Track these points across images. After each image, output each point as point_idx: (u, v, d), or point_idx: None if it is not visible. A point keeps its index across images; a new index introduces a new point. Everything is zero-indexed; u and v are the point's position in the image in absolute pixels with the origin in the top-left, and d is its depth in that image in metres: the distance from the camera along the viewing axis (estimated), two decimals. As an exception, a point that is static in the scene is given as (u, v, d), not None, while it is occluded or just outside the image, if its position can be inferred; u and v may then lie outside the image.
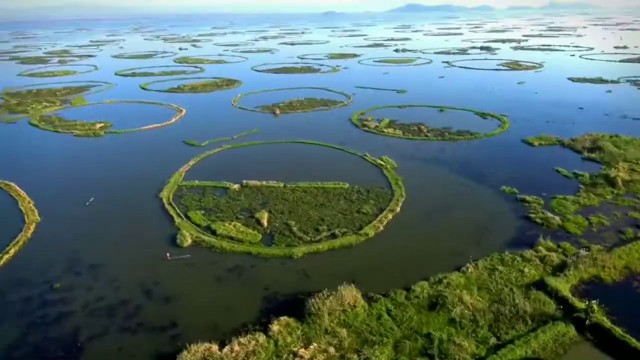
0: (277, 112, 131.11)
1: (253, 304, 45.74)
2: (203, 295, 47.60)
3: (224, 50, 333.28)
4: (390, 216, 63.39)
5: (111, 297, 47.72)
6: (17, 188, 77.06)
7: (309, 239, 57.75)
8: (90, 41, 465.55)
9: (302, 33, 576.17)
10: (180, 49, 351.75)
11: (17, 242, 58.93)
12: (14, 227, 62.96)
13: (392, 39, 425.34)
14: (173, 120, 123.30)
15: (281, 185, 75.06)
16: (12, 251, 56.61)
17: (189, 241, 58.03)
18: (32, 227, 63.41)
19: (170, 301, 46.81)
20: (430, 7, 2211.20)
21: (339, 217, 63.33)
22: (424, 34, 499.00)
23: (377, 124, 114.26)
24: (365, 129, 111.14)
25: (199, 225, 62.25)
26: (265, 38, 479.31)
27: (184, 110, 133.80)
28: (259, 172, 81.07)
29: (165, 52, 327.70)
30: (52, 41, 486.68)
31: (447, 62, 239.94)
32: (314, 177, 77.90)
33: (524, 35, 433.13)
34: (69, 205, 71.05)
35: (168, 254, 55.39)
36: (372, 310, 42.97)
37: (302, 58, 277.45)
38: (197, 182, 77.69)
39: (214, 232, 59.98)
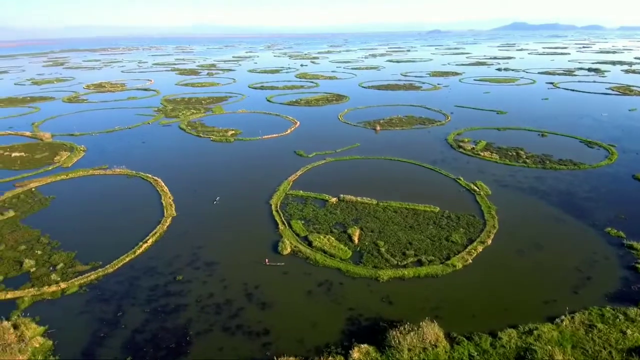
0: (378, 128, 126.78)
1: (337, 324, 42.95)
2: (294, 307, 46.04)
3: (337, 67, 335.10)
4: (480, 248, 56.14)
5: (220, 295, 48.40)
6: (162, 184, 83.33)
7: (395, 262, 53.32)
8: (233, 57, 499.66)
9: (408, 51, 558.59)
10: (301, 65, 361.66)
11: (155, 233, 63.04)
12: (155, 219, 67.78)
13: (495, 58, 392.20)
14: (288, 131, 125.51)
15: (374, 202, 71.20)
16: (150, 241, 60.65)
17: (288, 250, 57.19)
18: (169, 220, 67.52)
19: (266, 308, 46.02)
20: (536, 26, 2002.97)
21: (427, 243, 57.72)
22: (529, 53, 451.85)
23: (474, 145, 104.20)
24: (461, 150, 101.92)
25: (298, 235, 61.26)
26: (374, 56, 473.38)
27: (298, 123, 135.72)
28: (355, 187, 78.18)
29: (289, 67, 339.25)
30: (204, 56, 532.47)
31: (551, 83, 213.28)
32: (405, 197, 72.77)
33: (635, 58, 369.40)
34: (199, 203, 74.76)
35: (267, 260, 55.10)
36: (453, 353, 37.59)
37: (405, 75, 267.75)
38: (301, 192, 77.12)
39: (310, 243, 58.45)
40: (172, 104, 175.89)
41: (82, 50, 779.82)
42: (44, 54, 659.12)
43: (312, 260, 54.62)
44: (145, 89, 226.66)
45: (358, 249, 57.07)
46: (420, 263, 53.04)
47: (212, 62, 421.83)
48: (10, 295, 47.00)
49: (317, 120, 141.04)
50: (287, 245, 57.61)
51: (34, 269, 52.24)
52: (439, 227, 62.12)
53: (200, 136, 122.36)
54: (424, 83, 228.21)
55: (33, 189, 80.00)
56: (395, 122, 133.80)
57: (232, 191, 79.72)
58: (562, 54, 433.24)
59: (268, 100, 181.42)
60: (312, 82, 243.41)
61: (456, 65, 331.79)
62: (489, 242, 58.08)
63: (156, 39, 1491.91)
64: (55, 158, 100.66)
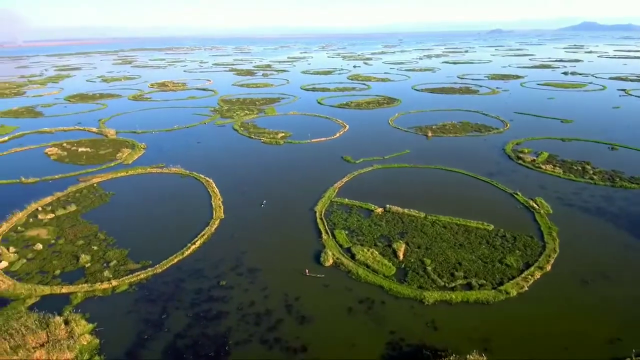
0: (429, 134, 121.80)
1: (377, 347, 40.87)
2: (333, 324, 44.47)
3: (390, 69, 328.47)
4: (538, 275, 51.35)
5: (260, 304, 47.96)
6: (214, 185, 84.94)
7: (442, 283, 50.09)
8: (288, 57, 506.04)
9: (466, 52, 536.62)
10: (354, 66, 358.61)
11: (203, 235, 64.03)
12: (204, 220, 69.04)
13: (561, 60, 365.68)
14: (337, 135, 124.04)
15: (422, 215, 67.82)
16: (198, 243, 61.65)
17: (330, 261, 55.74)
18: (217, 223, 68.33)
19: (305, 322, 44.87)
20: (607, 26, 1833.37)
21: (478, 265, 53.76)
22: (598, 56, 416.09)
23: (534, 157, 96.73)
24: (520, 162, 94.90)
25: (341, 246, 59.63)
26: (429, 57, 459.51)
27: (347, 126, 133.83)
28: (403, 197, 75.25)
29: (342, 69, 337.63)
30: (261, 56, 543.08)
31: (623, 90, 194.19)
32: (456, 211, 68.73)
33: None
34: (246, 205, 75.33)
35: (307, 270, 54.02)
36: (502, 394, 34.28)
37: (462, 78, 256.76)
38: (346, 200, 75.32)
39: (353, 256, 56.61)
40: (228, 105, 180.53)
41: (149, 49, 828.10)
42: (114, 52, 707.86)
43: (354, 274, 52.77)
44: (204, 89, 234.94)
45: (403, 265, 54.37)
46: (469, 286, 49.41)
47: (267, 62, 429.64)
48: (65, 289, 49.56)
49: (366, 124, 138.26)
50: (330, 257, 56.17)
51: (89, 264, 54.88)
52: (492, 248, 57.74)
53: (252, 137, 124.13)
54: (481, 86, 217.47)
55: (95, 184, 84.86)
56: (449, 129, 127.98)
57: (279, 195, 79.61)
58: (636, 57, 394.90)
59: (319, 103, 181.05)
60: (363, 84, 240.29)
61: (518, 67, 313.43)
62: (549, 268, 53.04)
63: (217, 39, 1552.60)
64: (118, 154, 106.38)
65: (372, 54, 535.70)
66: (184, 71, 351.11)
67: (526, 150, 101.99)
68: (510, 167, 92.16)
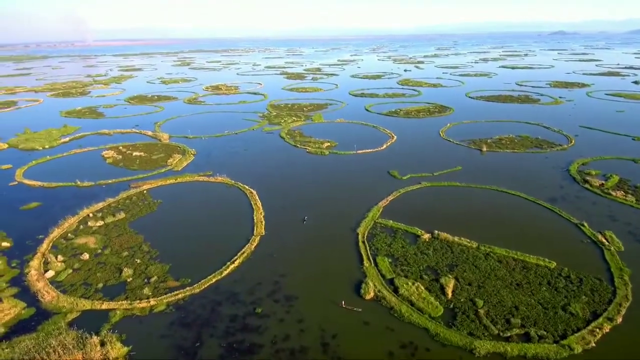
0: (484, 148, 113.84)
1: (419, 405, 36.85)
2: (371, 370, 40.93)
3: (443, 73, 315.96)
4: (607, 328, 44.65)
5: (295, 338, 45.27)
6: (257, 197, 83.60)
7: (496, 331, 44.75)
8: (338, 60, 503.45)
9: (525, 55, 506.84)
10: (405, 70, 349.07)
11: (243, 252, 62.41)
12: (245, 236, 67.70)
13: (632, 67, 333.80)
14: (384, 146, 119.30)
15: (474, 245, 62.13)
16: (237, 262, 60.05)
17: (372, 294, 52.00)
18: (257, 240, 66.61)
19: (341, 365, 41.66)
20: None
21: (538, 311, 47.71)
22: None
23: (603, 181, 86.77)
24: (587, 186, 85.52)
25: (383, 276, 55.68)
26: (485, 60, 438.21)
27: (395, 137, 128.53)
28: (453, 221, 69.87)
29: (392, 73, 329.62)
30: (311, 59, 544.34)
31: None
32: (513, 242, 62.46)
33: None
34: (287, 221, 73.15)
35: (343, 302, 50.68)
36: None
37: (521, 85, 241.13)
38: (391, 222, 71.00)
39: (396, 290, 52.51)
40: (277, 110, 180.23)
41: (206, 51, 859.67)
42: (174, 54, 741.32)
43: (397, 312, 48.68)
44: (255, 93, 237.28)
45: (451, 305, 49.51)
46: (528, 337, 43.75)
47: (317, 65, 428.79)
48: (105, 306, 49.68)
49: (415, 135, 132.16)
50: (371, 289, 52.45)
51: (130, 279, 54.99)
52: (555, 290, 51.27)
53: (297, 146, 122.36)
54: (542, 95, 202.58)
55: (145, 191, 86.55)
56: (506, 143, 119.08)
57: (320, 211, 76.78)
58: None
59: (366, 110, 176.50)
60: (414, 89, 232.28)
61: (583, 74, 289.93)
62: (619, 320, 46.05)
63: (269, 40, 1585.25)
64: (169, 160, 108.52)
65: (424, 56, 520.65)
66: (237, 74, 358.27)
67: (593, 172, 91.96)
68: (575, 192, 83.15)
